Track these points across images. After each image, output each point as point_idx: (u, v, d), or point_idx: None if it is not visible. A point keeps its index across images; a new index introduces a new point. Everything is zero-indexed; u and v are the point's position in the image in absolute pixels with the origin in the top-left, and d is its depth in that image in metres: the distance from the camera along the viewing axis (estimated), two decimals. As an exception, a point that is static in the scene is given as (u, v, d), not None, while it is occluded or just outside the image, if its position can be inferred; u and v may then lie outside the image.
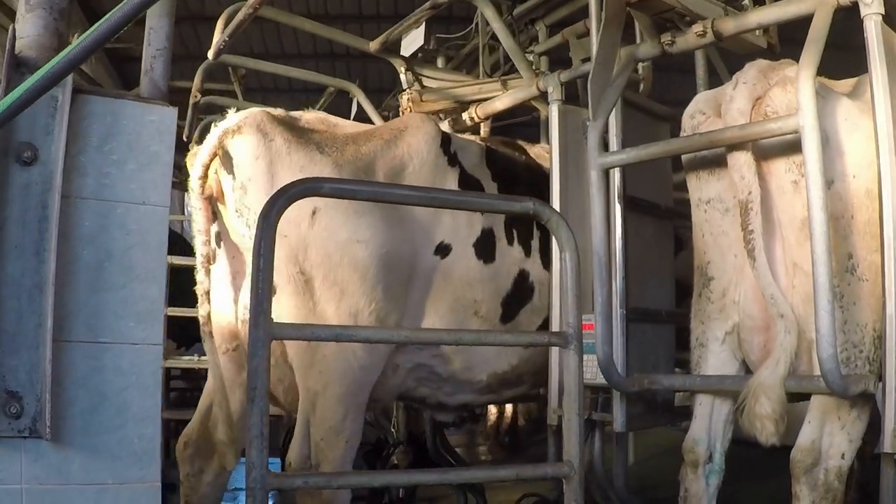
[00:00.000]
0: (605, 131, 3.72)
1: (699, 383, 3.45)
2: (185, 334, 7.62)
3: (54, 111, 2.31)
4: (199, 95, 5.86)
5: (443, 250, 3.97)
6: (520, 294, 4.29)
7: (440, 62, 6.72)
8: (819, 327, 2.93)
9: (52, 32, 2.38)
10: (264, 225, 2.79)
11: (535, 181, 4.49)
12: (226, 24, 4.71)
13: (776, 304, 3.15)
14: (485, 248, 4.12)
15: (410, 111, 5.00)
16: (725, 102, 3.33)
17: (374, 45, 5.50)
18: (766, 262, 3.17)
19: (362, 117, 6.34)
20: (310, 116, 4.08)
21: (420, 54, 5.76)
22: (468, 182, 4.23)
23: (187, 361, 7.07)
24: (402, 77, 5.47)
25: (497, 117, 6.19)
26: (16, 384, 2.23)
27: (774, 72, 3.35)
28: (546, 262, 4.39)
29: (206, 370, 8.02)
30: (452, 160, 4.21)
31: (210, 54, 4.63)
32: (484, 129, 6.18)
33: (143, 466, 2.33)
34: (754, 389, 3.12)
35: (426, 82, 5.46)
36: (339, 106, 6.18)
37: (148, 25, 2.59)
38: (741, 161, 3.24)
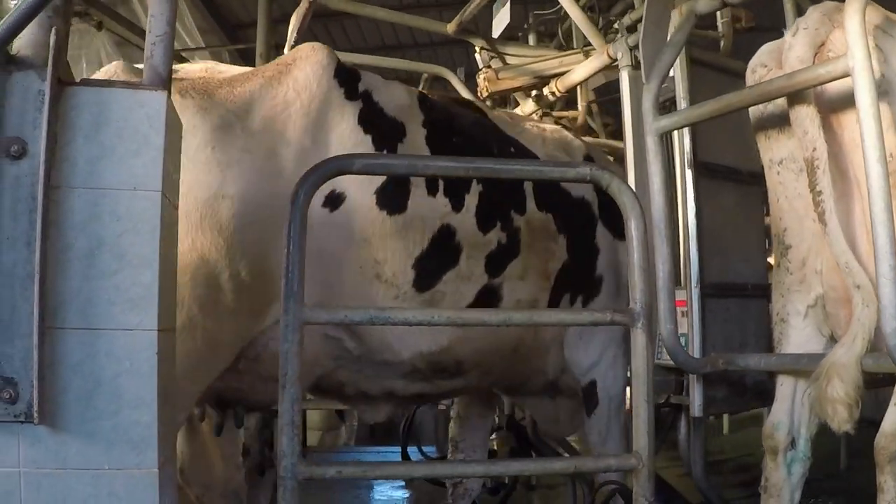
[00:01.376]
0: (671, 93, 3.50)
1: (774, 362, 3.13)
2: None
3: (41, 105, 2.29)
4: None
5: (333, 201, 3.36)
6: (440, 255, 3.60)
7: (532, 39, 6.57)
8: (882, 297, 2.59)
9: (46, 30, 2.36)
10: (293, 208, 2.72)
11: (484, 138, 3.97)
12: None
13: (851, 273, 2.80)
14: (391, 195, 3.46)
15: (487, 91, 4.87)
16: (784, 51, 3.02)
17: (451, 27, 5.41)
18: (839, 225, 2.84)
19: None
20: (193, 66, 3.73)
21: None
22: (376, 122, 3.57)
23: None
24: (478, 57, 5.33)
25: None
26: (11, 370, 2.23)
27: (840, 13, 3.01)
28: (486, 224, 3.73)
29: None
30: (352, 95, 3.54)
31: (285, 52, 4.66)
32: (582, 105, 6.00)
33: (139, 452, 2.28)
34: (827, 370, 2.78)
35: (508, 59, 5.31)
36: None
37: (150, 12, 2.54)
38: (802, 114, 2.92)
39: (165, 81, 2.49)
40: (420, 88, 6.48)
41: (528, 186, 3.92)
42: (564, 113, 6.48)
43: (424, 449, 6.80)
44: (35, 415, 2.20)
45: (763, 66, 3.17)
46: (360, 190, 3.38)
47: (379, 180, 3.42)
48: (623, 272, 4.04)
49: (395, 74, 8.10)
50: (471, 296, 3.72)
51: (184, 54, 7.85)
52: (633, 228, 2.92)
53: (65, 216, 2.31)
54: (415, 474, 3.07)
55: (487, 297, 3.76)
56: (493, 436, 5.71)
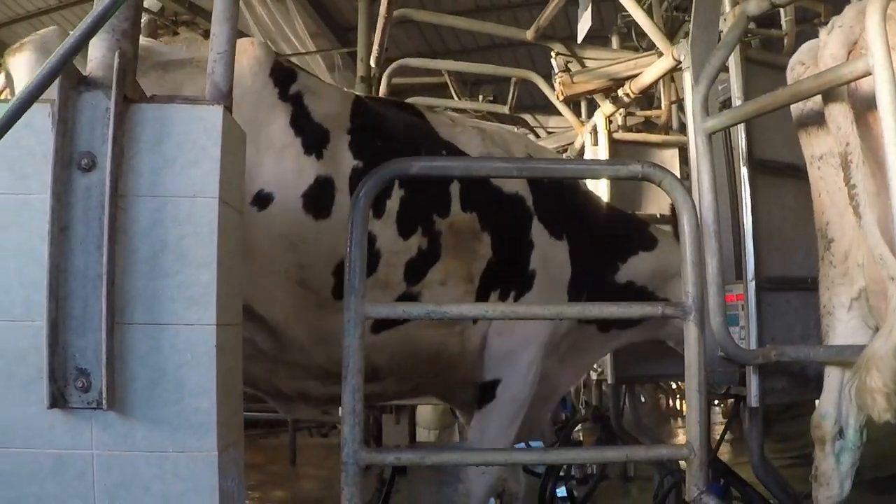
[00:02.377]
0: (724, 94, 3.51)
1: (822, 353, 3.11)
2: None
3: (108, 121, 2.46)
4: (385, 99, 6.07)
5: (262, 201, 3.27)
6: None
7: (615, 41, 6.58)
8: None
9: (114, 52, 2.53)
10: (355, 208, 2.84)
11: (415, 140, 3.83)
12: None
13: (886, 264, 2.77)
14: (318, 199, 3.35)
15: (563, 95, 4.92)
16: (820, 49, 3.00)
17: (529, 34, 5.47)
18: (873, 219, 2.81)
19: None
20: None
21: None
22: (305, 125, 3.46)
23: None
24: (553, 62, 5.37)
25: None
26: (84, 362, 2.40)
27: (875, 11, 2.97)
28: (407, 230, 3.63)
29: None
30: (285, 95, 3.42)
31: (372, 61, 4.82)
32: (665, 104, 5.98)
33: (200, 437, 2.42)
34: (866, 361, 2.76)
35: (586, 63, 5.34)
36: (521, 97, 6.22)
37: (212, 31, 2.69)
38: (835, 111, 2.91)
39: (225, 96, 2.65)
40: (511, 92, 6.55)
41: (453, 188, 3.80)
42: (649, 112, 6.46)
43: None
44: (104, 402, 2.37)
45: (801, 63, 3.15)
46: (287, 192, 3.30)
47: (306, 183, 3.36)
48: (557, 268, 3.94)
49: (475, 77, 8.25)
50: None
51: (294, 59, 8.11)
52: (685, 223, 2.93)
53: (131, 222, 2.48)
54: (469, 461, 3.13)
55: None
56: (579, 427, 5.74)
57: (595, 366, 6.33)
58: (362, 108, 3.81)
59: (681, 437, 8.32)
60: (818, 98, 2.97)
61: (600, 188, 5.81)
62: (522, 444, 7.20)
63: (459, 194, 3.80)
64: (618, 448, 3.13)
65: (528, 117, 7.05)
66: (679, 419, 9.50)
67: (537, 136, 7.10)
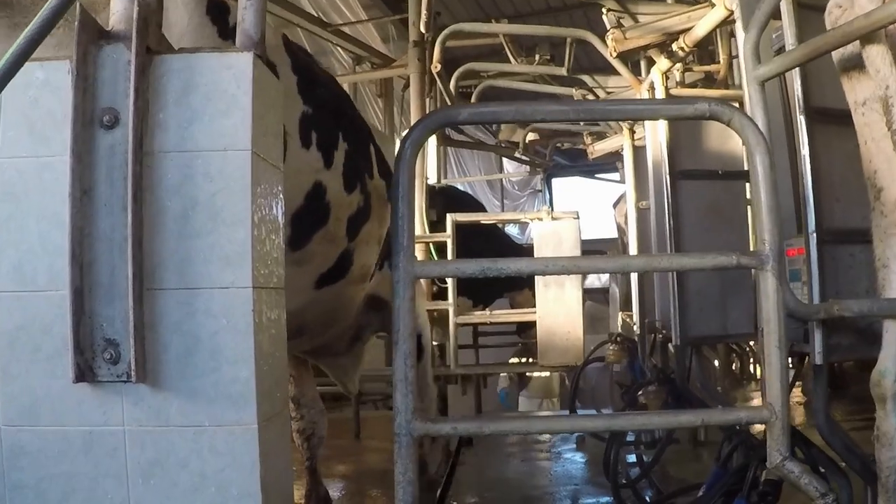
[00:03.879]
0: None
1: (887, 307, 2.75)
2: (484, 292, 7.54)
3: (129, 74, 2.20)
4: (438, 66, 5.78)
5: None
6: (313, 213, 3.21)
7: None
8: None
9: (135, 2, 2.27)
10: (400, 161, 2.55)
11: (337, 90, 3.71)
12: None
13: None
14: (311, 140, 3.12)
15: (616, 52, 4.57)
16: None
17: (581, -11, 5.12)
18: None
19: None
20: None
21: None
22: None
23: (480, 316, 7.01)
24: (605, 18, 5.01)
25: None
26: (112, 332, 2.15)
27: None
28: (350, 185, 3.41)
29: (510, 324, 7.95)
30: (224, 31, 2.94)
31: (422, 26, 4.53)
32: (723, 58, 5.59)
33: (238, 409, 2.15)
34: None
35: (639, 18, 4.98)
36: (579, 59, 5.88)
37: (240, -20, 2.42)
38: (873, 53, 2.56)
39: (256, 44, 2.37)
40: (567, 53, 6.21)
41: (372, 152, 3.74)
42: (707, 67, 6.07)
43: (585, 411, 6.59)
44: (134, 374, 2.11)
45: (838, 6, 2.79)
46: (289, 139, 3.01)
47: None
48: None
49: (534, 41, 7.90)
50: (333, 258, 3.44)
51: (346, 29, 7.86)
52: (758, 164, 2.59)
53: (158, 180, 2.21)
54: (531, 428, 2.83)
55: (344, 262, 3.51)
56: (641, 392, 5.39)
57: (659, 325, 5.98)
58: (291, 46, 3.37)
59: (755, 402, 7.95)
60: (857, 41, 2.63)
61: (659, 133, 5.43)
62: (592, 410, 6.93)
63: (376, 160, 3.75)
64: (692, 412, 2.80)
65: (586, 78, 6.69)
66: (753, 383, 9.09)
67: (596, 97, 6.73)
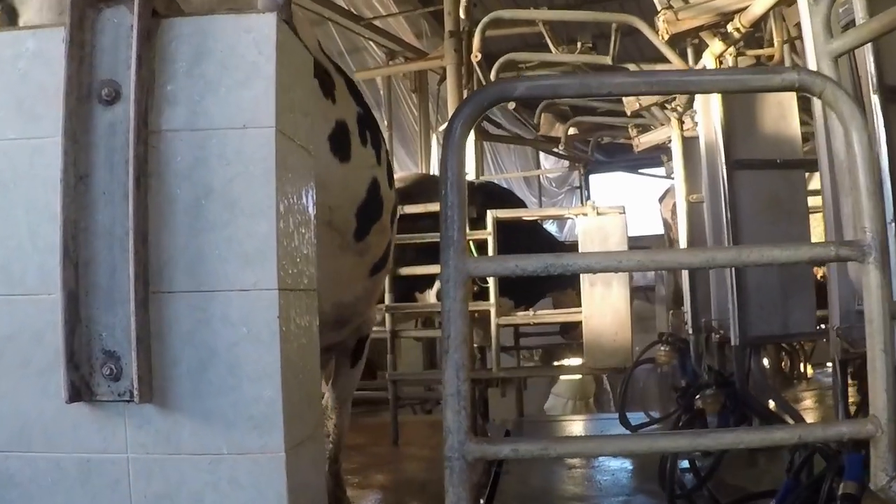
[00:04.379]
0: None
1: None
2: (526, 292, 7.14)
3: (132, 40, 1.84)
4: (479, 55, 5.41)
5: None
6: (372, 206, 3.29)
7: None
8: None
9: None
10: (449, 141, 2.16)
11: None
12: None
13: None
14: (340, 143, 3.10)
15: (668, 34, 4.17)
16: None
17: (631, -28, 4.72)
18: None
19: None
20: None
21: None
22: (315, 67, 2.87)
23: (523, 316, 6.62)
24: (656, 0, 4.60)
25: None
26: (113, 342, 1.79)
27: None
28: (391, 180, 3.57)
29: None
30: None
31: (461, 12, 4.19)
32: (777, 41, 5.15)
33: (262, 433, 1.79)
34: None
35: (691, -1, 4.56)
36: (626, 48, 5.48)
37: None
38: None
39: (281, 7, 2.00)
40: (613, 40, 5.82)
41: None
42: (760, 51, 5.63)
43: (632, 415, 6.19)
44: (136, 392, 1.75)
45: None
46: (318, 136, 2.88)
47: (330, 125, 2.98)
48: None
49: (575, 30, 7.51)
50: (383, 248, 3.52)
51: (377, 23, 7.52)
52: (855, 142, 2.18)
53: (166, 164, 1.85)
54: (604, 450, 2.45)
55: (388, 251, 3.63)
56: (699, 396, 4.97)
57: (716, 325, 5.57)
58: (321, 46, 3.40)
59: (805, 403, 7.50)
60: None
61: (713, 120, 5.01)
62: (642, 415, 6.52)
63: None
64: (787, 428, 2.40)
65: (632, 67, 6.28)
66: (805, 382, 8.62)
67: (641, 86, 6.33)
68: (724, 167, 5.26)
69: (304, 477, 1.89)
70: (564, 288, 7.41)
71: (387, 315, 6.36)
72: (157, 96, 1.87)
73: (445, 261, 2.12)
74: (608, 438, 2.39)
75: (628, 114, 6.64)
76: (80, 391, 1.78)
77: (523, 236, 6.99)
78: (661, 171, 11.97)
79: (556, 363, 8.60)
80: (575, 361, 8.27)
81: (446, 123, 2.16)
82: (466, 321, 2.14)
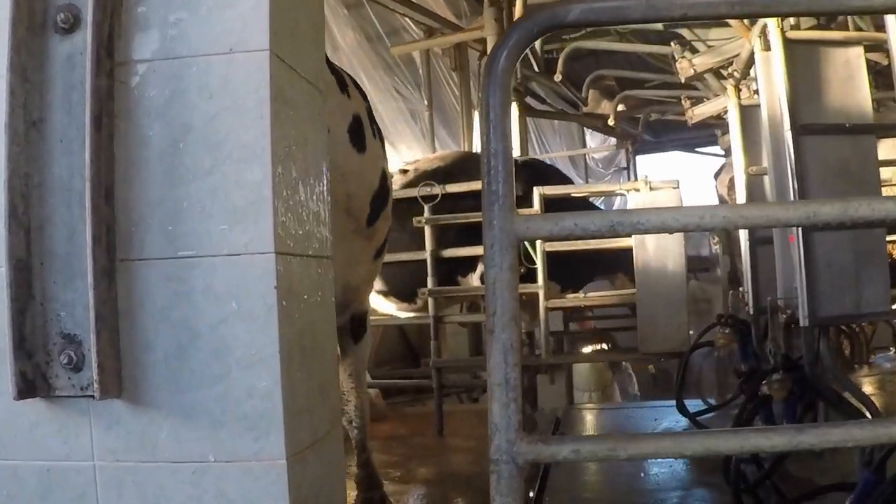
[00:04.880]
0: None
1: None
2: (575, 275, 6.67)
3: (92, -52, 1.45)
4: (521, 22, 4.99)
5: None
6: (382, 194, 3.42)
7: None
8: None
9: None
10: (491, 75, 1.74)
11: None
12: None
13: None
14: (357, 135, 3.17)
15: None
16: None
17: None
18: None
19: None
20: None
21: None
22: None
23: (573, 299, 6.18)
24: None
25: None
26: (73, 325, 1.41)
27: None
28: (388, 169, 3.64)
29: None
30: None
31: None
32: None
33: (258, 436, 1.39)
34: None
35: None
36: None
37: None
38: None
39: None
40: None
41: None
42: (876, 35, 5.13)
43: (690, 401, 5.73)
44: (97, 385, 1.37)
45: None
46: (336, 126, 3.02)
47: (348, 118, 3.05)
48: None
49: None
50: (384, 235, 3.63)
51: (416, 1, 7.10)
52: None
53: (136, 101, 1.46)
54: (685, 450, 2.00)
55: (387, 237, 3.70)
56: (765, 381, 4.50)
57: (782, 304, 5.10)
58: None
59: (866, 389, 6.98)
60: None
61: (776, 84, 4.54)
62: (699, 402, 6.06)
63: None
64: (887, 422, 1.91)
65: (685, 32, 5.81)
66: (866, 367, 8.06)
67: (695, 50, 5.85)
68: (790, 132, 4.80)
69: (315, 489, 1.50)
70: (615, 271, 6.93)
71: (429, 299, 5.95)
72: (126, 20, 1.48)
73: (489, 221, 1.70)
74: (688, 437, 1.94)
75: (682, 81, 6.16)
76: (34, 385, 1.40)
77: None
78: (711, 149, 11.44)
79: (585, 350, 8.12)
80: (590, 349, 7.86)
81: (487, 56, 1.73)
82: (515, 295, 1.72)
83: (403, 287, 6.21)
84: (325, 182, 1.68)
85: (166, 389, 1.40)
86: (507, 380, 1.67)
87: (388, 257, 5.89)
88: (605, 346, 7.79)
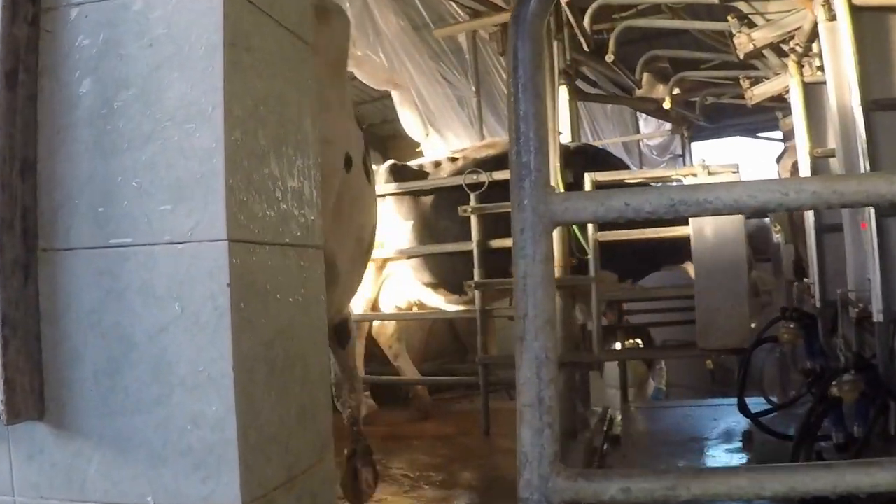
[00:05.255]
0: None
1: None
2: (636, 265, 6.25)
3: None
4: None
5: (348, 163, 2.93)
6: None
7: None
8: None
9: None
10: (517, 26, 1.38)
11: None
12: None
13: None
14: (367, 167, 3.12)
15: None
16: None
17: None
18: None
19: None
20: None
21: None
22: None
23: (627, 291, 5.79)
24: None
25: None
26: (-22, 331, 1.10)
27: None
28: None
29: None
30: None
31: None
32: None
33: (207, 475, 1.07)
34: None
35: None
36: None
37: None
38: None
39: None
40: None
41: None
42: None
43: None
44: (3, 408, 1.06)
45: None
46: (357, 156, 2.98)
47: (361, 150, 2.95)
48: None
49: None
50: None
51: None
52: None
53: (64, 54, 1.15)
54: (764, 490, 1.63)
55: None
56: (835, 383, 4.09)
57: (853, 298, 4.67)
58: None
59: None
60: None
61: (843, 46, 4.13)
62: (761, 401, 5.64)
63: None
64: None
65: (741, 5, 5.37)
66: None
67: (752, 24, 5.41)
68: (860, 109, 4.38)
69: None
70: (681, 261, 6.50)
71: (476, 292, 5.61)
72: (47, -50, 1.17)
73: (519, 201, 1.35)
74: (769, 473, 1.56)
75: (740, 58, 5.73)
76: (-67, 406, 1.10)
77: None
78: (771, 134, 10.91)
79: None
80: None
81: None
82: (552, 292, 1.37)
83: (453, 278, 5.89)
84: (310, 154, 1.35)
85: (96, 413, 1.09)
86: (540, 399, 1.33)
87: (436, 248, 5.58)
88: (638, 341, 7.38)
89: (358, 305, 5.52)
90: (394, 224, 5.62)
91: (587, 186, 5.44)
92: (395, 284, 5.82)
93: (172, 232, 1.09)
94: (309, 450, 1.26)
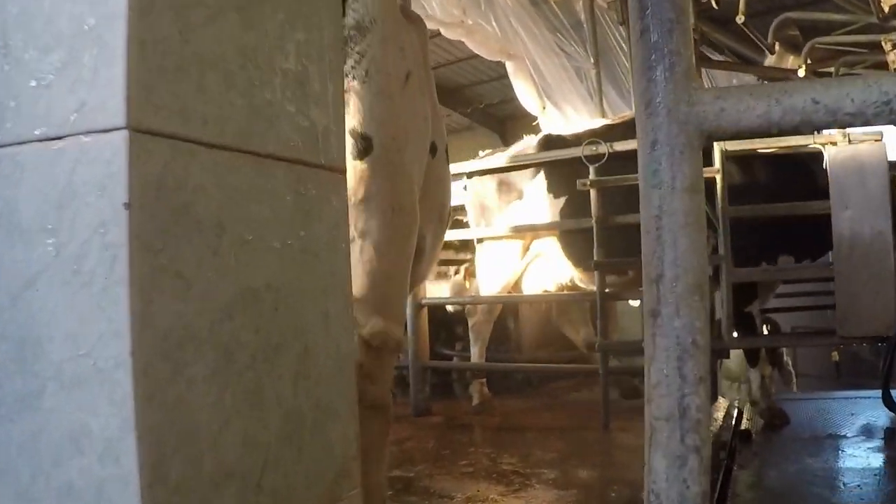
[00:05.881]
0: None
1: None
2: (816, 241, 5.51)
3: None
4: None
5: (433, 150, 2.85)
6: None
7: None
8: None
9: None
10: None
11: None
12: None
13: None
14: (447, 151, 3.02)
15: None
16: None
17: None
18: None
19: None
20: None
21: None
22: None
23: (759, 272, 5.13)
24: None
25: None
26: None
27: None
28: None
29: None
30: None
31: None
32: None
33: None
34: None
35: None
36: None
37: None
38: None
39: None
40: None
41: None
42: None
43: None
44: None
45: None
46: (441, 143, 2.88)
47: (444, 137, 2.84)
48: None
49: None
50: None
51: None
52: None
53: None
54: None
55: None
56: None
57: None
58: None
59: None
60: None
61: None
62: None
63: None
64: None
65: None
66: None
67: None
68: None
69: None
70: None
71: (595, 273, 5.05)
72: None
73: (647, 99, 0.84)
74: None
75: (885, 11, 5.00)
76: None
77: (763, 174, 5.47)
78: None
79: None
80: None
81: None
82: (700, 242, 0.84)
83: (588, 256, 5.39)
84: (324, 26, 0.87)
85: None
86: (682, 409, 0.82)
87: (570, 224, 5.09)
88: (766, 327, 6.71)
89: (497, 287, 5.15)
90: (545, 201, 5.08)
91: (715, 157, 4.82)
92: (543, 264, 5.33)
93: (48, 120, 0.63)
94: (304, 485, 0.78)
